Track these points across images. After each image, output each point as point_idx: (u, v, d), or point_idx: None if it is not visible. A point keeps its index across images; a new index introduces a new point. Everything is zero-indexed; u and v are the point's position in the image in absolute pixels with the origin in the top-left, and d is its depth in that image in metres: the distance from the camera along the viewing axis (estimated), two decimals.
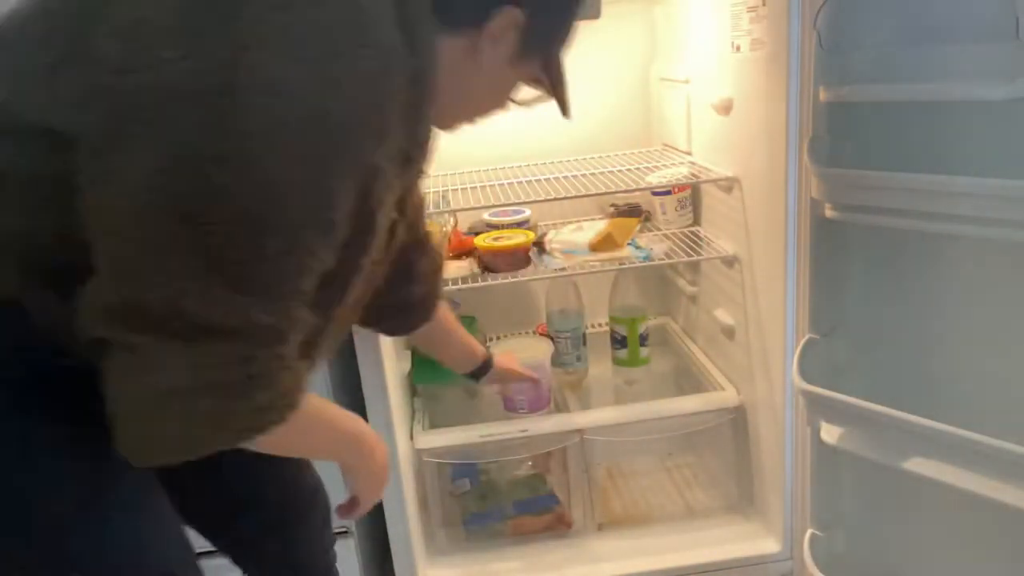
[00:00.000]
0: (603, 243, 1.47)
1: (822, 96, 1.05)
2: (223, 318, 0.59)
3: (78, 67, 0.60)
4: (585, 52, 1.74)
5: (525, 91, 0.79)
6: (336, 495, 0.99)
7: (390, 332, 1.16)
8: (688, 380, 1.65)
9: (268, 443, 0.67)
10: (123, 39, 0.58)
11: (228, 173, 0.56)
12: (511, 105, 0.80)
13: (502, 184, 1.52)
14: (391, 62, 0.60)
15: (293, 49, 0.56)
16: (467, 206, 1.41)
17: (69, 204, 0.60)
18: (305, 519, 1.02)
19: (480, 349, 1.25)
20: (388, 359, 1.25)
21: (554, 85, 0.78)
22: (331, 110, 0.57)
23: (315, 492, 1.04)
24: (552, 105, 0.81)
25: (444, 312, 1.15)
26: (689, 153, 1.61)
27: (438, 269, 1.10)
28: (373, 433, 0.87)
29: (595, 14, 1.38)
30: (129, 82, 0.57)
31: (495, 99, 0.78)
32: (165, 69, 0.55)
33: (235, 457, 0.75)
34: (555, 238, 1.52)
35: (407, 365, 1.64)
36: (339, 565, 1.13)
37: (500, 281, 1.41)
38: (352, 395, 1.29)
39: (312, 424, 0.76)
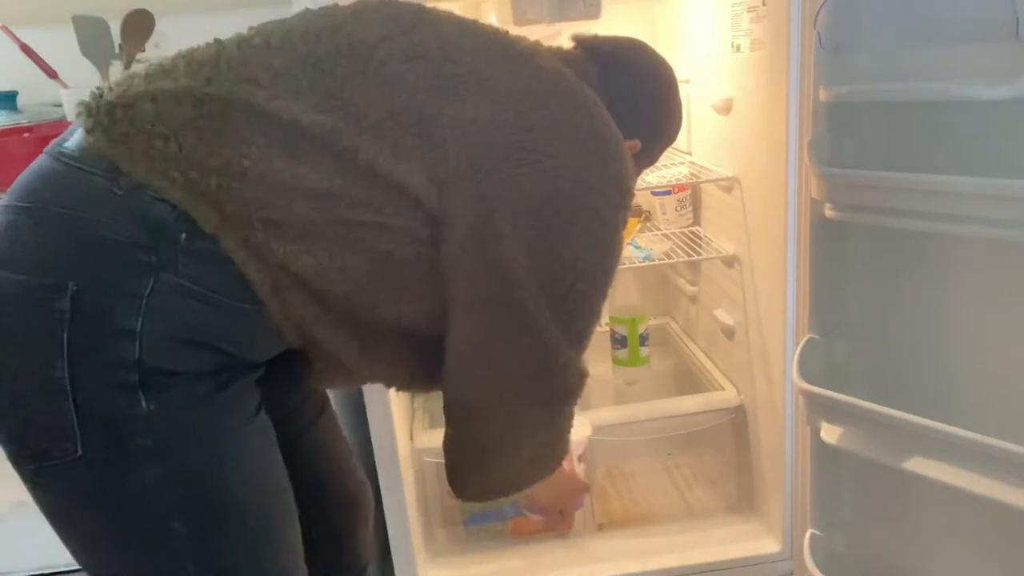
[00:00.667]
0: None
1: (822, 96, 1.05)
2: (573, 378, 0.79)
3: (430, 149, 0.69)
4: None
5: None
6: None
7: None
8: (688, 380, 1.65)
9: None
10: (474, 140, 0.70)
11: (578, 273, 0.74)
12: None
13: None
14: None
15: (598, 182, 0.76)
16: None
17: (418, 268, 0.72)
18: (355, 510, 1.03)
19: None
20: None
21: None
22: (619, 224, 0.78)
23: (364, 486, 1.04)
24: None
25: None
26: (689, 153, 1.61)
27: None
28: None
29: (595, 14, 1.38)
30: (492, 180, 0.70)
31: None
32: (522, 173, 0.71)
33: (310, 442, 0.93)
34: None
35: None
36: None
37: None
38: (353, 396, 1.29)
39: None
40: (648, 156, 0.96)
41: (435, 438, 1.37)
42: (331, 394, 1.19)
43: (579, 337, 0.78)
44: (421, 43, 0.72)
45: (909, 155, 1.00)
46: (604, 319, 1.66)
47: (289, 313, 0.70)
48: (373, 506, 1.07)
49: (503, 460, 0.82)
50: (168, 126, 0.65)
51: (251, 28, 0.73)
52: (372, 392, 1.24)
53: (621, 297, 1.57)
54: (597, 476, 1.52)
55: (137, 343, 0.62)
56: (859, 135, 1.06)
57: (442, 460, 0.85)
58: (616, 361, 1.60)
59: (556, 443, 0.85)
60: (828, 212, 1.07)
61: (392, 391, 1.25)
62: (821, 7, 1.01)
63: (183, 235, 0.64)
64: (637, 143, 0.88)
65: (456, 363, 0.75)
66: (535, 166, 0.72)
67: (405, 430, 1.38)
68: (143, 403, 0.63)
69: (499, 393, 0.77)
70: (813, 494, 1.24)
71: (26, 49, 1.33)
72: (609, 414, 1.43)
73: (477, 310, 0.73)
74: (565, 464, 0.95)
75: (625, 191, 0.78)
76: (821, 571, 1.16)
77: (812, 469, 1.22)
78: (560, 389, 0.79)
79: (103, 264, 0.63)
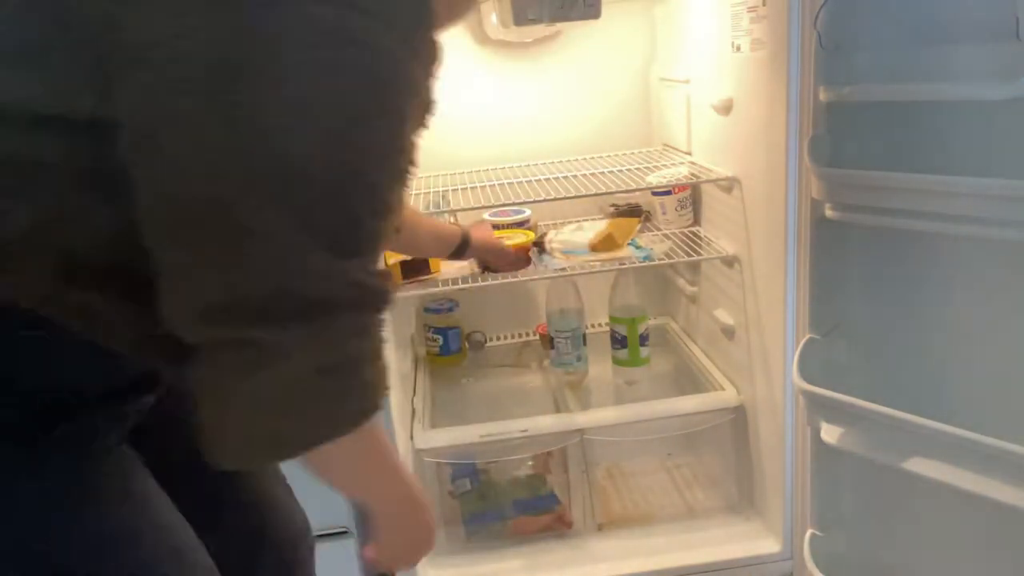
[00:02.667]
0: (603, 243, 1.47)
1: (822, 96, 1.05)
2: (335, 289, 0.58)
3: (84, 48, 0.54)
4: (585, 52, 1.74)
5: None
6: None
7: None
8: (688, 380, 1.65)
9: (334, 452, 0.62)
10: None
11: (303, 134, 0.53)
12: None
13: (502, 184, 1.52)
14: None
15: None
16: (467, 206, 1.41)
17: (116, 200, 0.56)
18: (296, 554, 0.94)
19: (454, 229, 1.28)
20: (388, 358, 1.25)
21: None
22: (379, 40, 0.55)
23: (306, 531, 0.96)
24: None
25: (408, 206, 1.14)
26: (689, 153, 1.61)
27: None
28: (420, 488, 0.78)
29: (595, 14, 1.38)
30: (160, 56, 0.52)
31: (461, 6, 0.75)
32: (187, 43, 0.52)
33: (239, 490, 0.80)
34: (555, 238, 1.52)
35: (407, 364, 1.64)
36: (339, 565, 1.12)
37: (500, 281, 1.41)
38: None
39: (375, 441, 0.69)
40: None
41: (435, 438, 1.38)
42: None
43: (339, 238, 0.57)
44: None
45: (909, 155, 1.00)
46: (604, 319, 1.66)
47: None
48: (313, 548, 0.97)
49: (253, 400, 0.58)
50: None
51: None
52: None
53: (621, 297, 1.57)
54: (597, 476, 1.52)
55: None
56: (859, 135, 1.06)
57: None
58: (616, 361, 1.60)
59: (337, 374, 0.60)
60: (828, 212, 1.07)
61: (392, 390, 1.25)
62: (821, 7, 1.01)
63: None
64: None
65: (180, 304, 0.57)
66: (210, 13, 0.52)
67: (405, 430, 1.38)
68: None
69: (223, 322, 0.56)
70: (813, 494, 1.24)
71: None
72: (609, 414, 1.43)
73: (160, 228, 0.56)
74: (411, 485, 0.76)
75: None
76: (821, 571, 1.16)
77: (812, 469, 1.22)
78: (319, 304, 0.57)
79: None
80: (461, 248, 1.29)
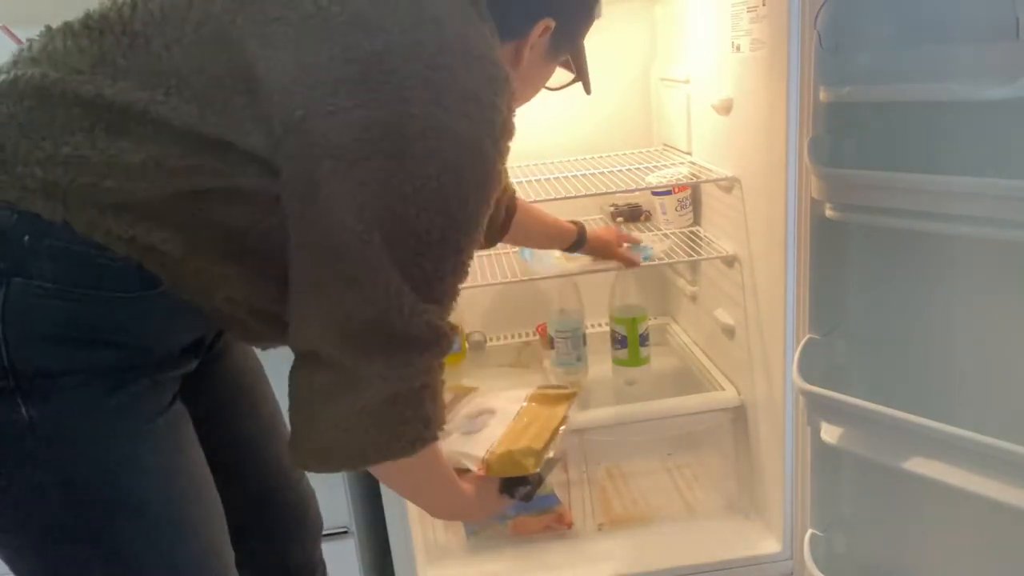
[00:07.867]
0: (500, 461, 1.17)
1: (822, 96, 1.05)
2: (420, 330, 0.69)
3: (259, 106, 0.64)
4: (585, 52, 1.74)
5: (554, 78, 0.91)
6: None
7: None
8: (688, 380, 1.65)
9: (399, 470, 0.75)
10: (300, 86, 0.64)
11: (424, 204, 0.66)
12: (543, 91, 0.91)
13: None
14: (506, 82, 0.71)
15: (446, 99, 0.65)
16: None
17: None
18: (301, 527, 1.00)
19: (571, 225, 1.35)
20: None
21: (579, 68, 0.91)
22: (483, 144, 0.68)
23: (309, 505, 1.01)
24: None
25: (523, 204, 1.23)
26: (689, 153, 1.61)
27: (508, 187, 1.18)
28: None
29: (595, 14, 1.38)
30: (318, 126, 0.63)
31: (532, 90, 0.89)
32: (347, 116, 0.63)
33: (257, 458, 0.88)
34: None
35: None
36: (339, 565, 1.12)
37: (500, 281, 1.41)
38: None
39: (433, 462, 0.81)
40: (568, 33, 0.84)
41: None
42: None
43: (429, 286, 0.69)
44: None
45: (909, 155, 1.00)
46: (604, 319, 1.66)
47: (183, 285, 0.68)
48: (319, 525, 1.03)
49: (334, 417, 0.71)
50: None
51: (85, 11, 0.69)
52: None
53: (621, 297, 1.57)
54: (597, 476, 1.52)
55: (3, 349, 0.62)
56: (859, 135, 1.06)
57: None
58: (616, 361, 1.60)
59: (403, 404, 0.72)
60: (828, 212, 1.07)
61: None
62: (821, 7, 1.01)
63: (25, 237, 0.63)
64: (550, 22, 0.78)
65: (292, 310, 0.70)
66: (366, 96, 0.64)
67: None
68: (23, 410, 0.63)
69: (330, 340, 0.69)
70: (813, 494, 1.24)
71: None
72: (609, 414, 1.43)
73: (307, 253, 0.67)
74: (477, 471, 0.91)
75: (487, 105, 0.67)
76: (821, 571, 1.16)
77: (812, 469, 1.22)
78: (402, 339, 0.68)
79: None
80: (579, 241, 1.35)
